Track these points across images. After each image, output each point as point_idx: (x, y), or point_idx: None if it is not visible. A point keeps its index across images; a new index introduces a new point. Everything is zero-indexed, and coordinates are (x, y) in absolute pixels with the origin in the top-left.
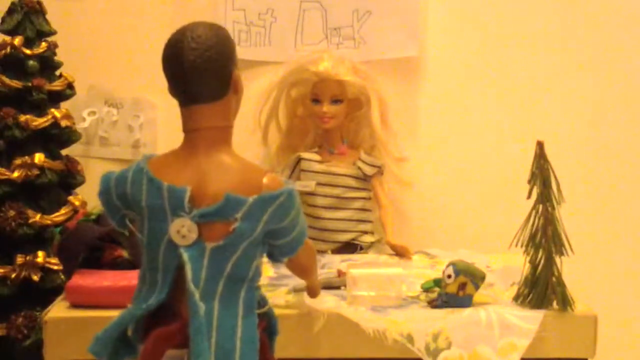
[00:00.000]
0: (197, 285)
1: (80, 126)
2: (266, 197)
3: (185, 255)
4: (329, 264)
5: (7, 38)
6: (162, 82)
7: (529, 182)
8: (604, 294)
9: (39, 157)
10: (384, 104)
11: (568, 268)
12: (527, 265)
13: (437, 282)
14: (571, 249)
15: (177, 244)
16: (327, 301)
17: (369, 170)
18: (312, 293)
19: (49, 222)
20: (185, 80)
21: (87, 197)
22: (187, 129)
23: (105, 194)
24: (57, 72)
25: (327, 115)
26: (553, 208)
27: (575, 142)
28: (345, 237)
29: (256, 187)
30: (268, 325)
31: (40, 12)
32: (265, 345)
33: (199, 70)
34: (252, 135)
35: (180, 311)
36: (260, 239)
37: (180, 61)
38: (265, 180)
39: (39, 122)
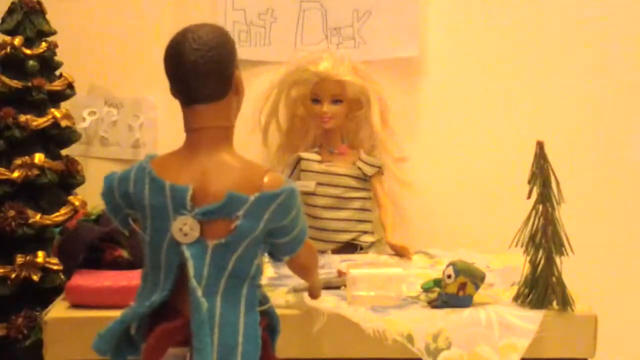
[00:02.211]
0: (200, 282)
1: (80, 126)
2: (267, 195)
3: (188, 253)
4: (329, 264)
5: (7, 38)
6: (162, 82)
7: (529, 182)
8: (604, 294)
9: (39, 157)
10: (384, 104)
11: (568, 268)
12: (527, 265)
13: (437, 282)
14: (571, 249)
15: (179, 242)
16: (327, 301)
17: (369, 170)
18: (313, 294)
19: (49, 222)
20: (187, 80)
21: (87, 197)
22: (188, 129)
23: (108, 193)
24: (57, 72)
25: (327, 115)
26: (553, 208)
27: (575, 142)
28: (345, 237)
29: (257, 186)
30: (269, 324)
31: (40, 12)
32: (267, 343)
33: (201, 70)
34: (252, 135)
35: (183, 310)
36: (262, 238)
37: (181, 61)
38: (266, 179)
39: (39, 122)
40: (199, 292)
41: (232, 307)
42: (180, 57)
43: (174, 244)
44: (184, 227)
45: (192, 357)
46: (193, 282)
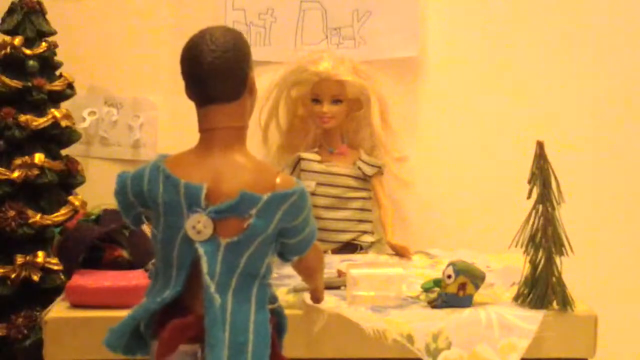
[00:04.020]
0: (212, 279)
1: (80, 126)
2: (280, 195)
3: (201, 250)
4: (329, 264)
5: (7, 38)
6: (162, 82)
7: (529, 182)
8: (604, 294)
9: (39, 157)
10: (384, 104)
11: (568, 268)
12: (527, 265)
13: (437, 282)
14: (571, 249)
15: (192, 240)
16: (327, 301)
17: (369, 170)
18: (316, 298)
19: (49, 222)
20: (203, 80)
21: (87, 197)
22: (203, 129)
23: (121, 192)
24: (57, 72)
25: (327, 115)
26: (553, 208)
27: (575, 142)
28: (345, 237)
29: (270, 186)
30: (277, 323)
31: (40, 12)
32: (275, 342)
33: (217, 71)
34: (252, 135)
35: (193, 307)
36: (273, 237)
37: (198, 62)
38: (278, 179)
39: (39, 122)
40: (212, 288)
41: (243, 305)
42: (197, 58)
43: (187, 241)
44: (198, 225)
45: (204, 353)
46: (207, 278)
